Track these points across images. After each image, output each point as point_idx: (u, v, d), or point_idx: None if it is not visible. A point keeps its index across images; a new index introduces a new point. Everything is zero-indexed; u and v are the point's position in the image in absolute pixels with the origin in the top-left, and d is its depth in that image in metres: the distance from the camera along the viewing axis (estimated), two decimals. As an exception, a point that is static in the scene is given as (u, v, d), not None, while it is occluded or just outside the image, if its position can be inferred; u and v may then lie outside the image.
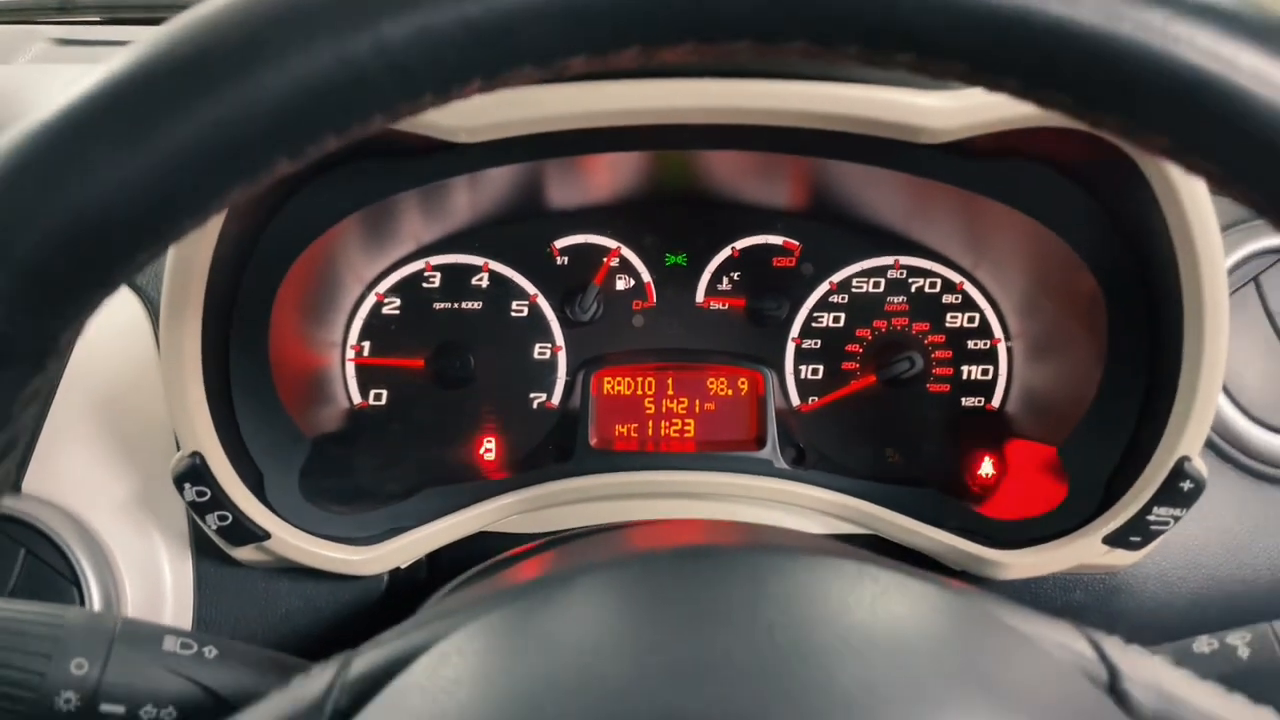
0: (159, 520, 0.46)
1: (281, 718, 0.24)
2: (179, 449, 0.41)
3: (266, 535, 0.42)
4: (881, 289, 0.52)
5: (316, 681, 0.25)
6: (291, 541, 0.43)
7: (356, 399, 0.52)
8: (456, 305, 0.52)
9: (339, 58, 0.18)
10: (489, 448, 0.52)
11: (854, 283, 0.52)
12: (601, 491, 0.50)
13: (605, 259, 0.52)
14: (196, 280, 0.39)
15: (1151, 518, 0.41)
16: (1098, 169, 0.40)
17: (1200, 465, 0.40)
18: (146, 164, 0.19)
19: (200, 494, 0.41)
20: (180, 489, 0.41)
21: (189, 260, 0.40)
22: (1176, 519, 0.41)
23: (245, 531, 0.42)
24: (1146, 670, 0.24)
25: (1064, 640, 0.25)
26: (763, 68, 0.37)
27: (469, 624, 0.24)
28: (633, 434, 0.52)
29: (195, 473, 0.41)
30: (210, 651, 0.34)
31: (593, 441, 0.51)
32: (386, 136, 0.40)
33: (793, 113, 0.38)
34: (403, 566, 0.47)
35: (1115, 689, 0.24)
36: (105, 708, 0.32)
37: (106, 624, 0.34)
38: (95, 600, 0.43)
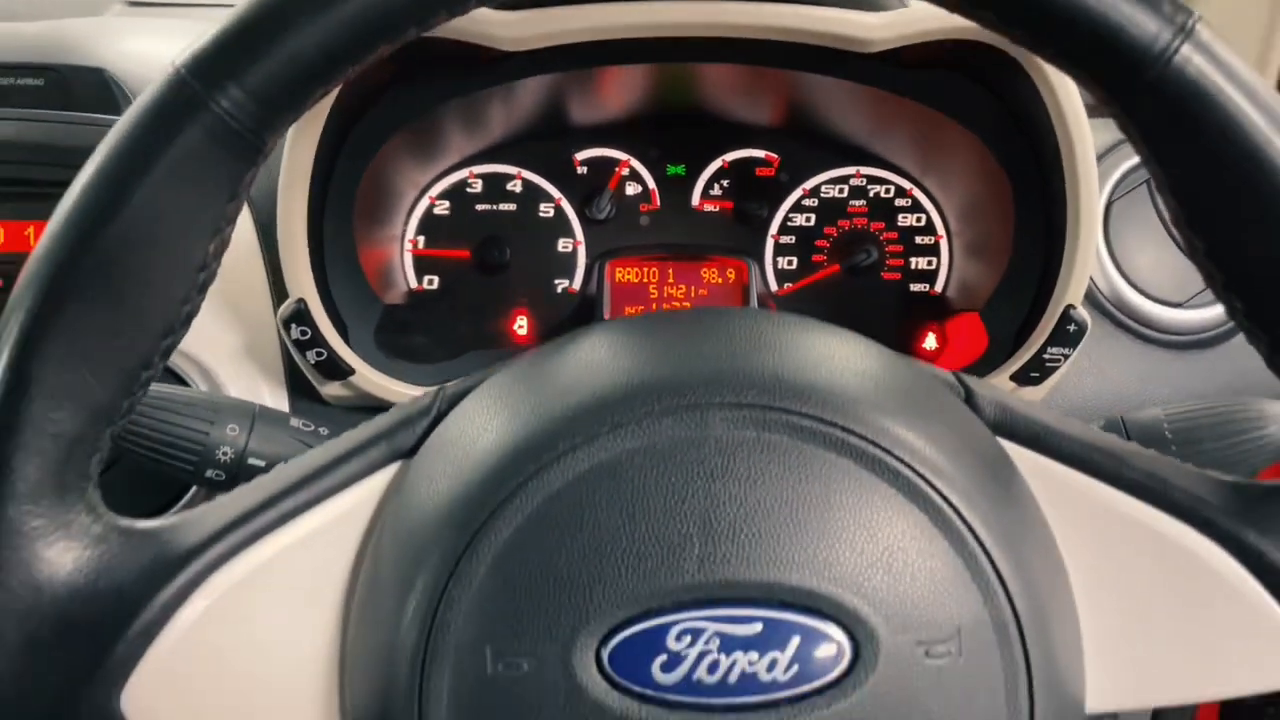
0: (261, 365, 0.57)
1: (395, 420, 0.35)
2: (283, 302, 0.53)
3: (351, 371, 0.54)
4: (845, 194, 0.63)
5: (419, 402, 0.36)
6: (370, 379, 0.55)
7: (414, 283, 0.63)
8: (495, 207, 0.63)
9: None
10: (521, 324, 0.64)
11: (823, 189, 0.63)
12: (614, 358, 0.61)
13: (617, 168, 0.64)
14: (303, 172, 0.51)
15: (1046, 357, 0.52)
16: (999, 73, 0.52)
17: (1084, 313, 0.51)
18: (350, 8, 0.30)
19: (302, 333, 0.52)
20: (287, 329, 0.52)
21: (300, 152, 0.51)
22: (1066, 357, 0.52)
23: (335, 368, 0.54)
24: (992, 390, 0.35)
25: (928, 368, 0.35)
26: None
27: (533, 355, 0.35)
28: (639, 313, 0.64)
29: (300, 315, 0.52)
30: (324, 430, 0.46)
31: (608, 318, 0.62)
32: (432, 50, 0.51)
33: (762, 27, 0.49)
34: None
35: (968, 400, 0.35)
36: (251, 461, 0.44)
37: (249, 405, 0.45)
38: (215, 424, 0.55)
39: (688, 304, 0.63)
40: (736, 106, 0.62)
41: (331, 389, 0.55)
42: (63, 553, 0.30)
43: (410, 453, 0.34)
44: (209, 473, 0.44)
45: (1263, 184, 0.28)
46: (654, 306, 0.64)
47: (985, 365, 0.55)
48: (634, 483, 0.29)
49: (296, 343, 0.53)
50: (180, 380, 0.55)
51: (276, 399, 0.57)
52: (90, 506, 0.31)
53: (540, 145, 0.63)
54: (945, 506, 0.29)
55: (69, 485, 0.31)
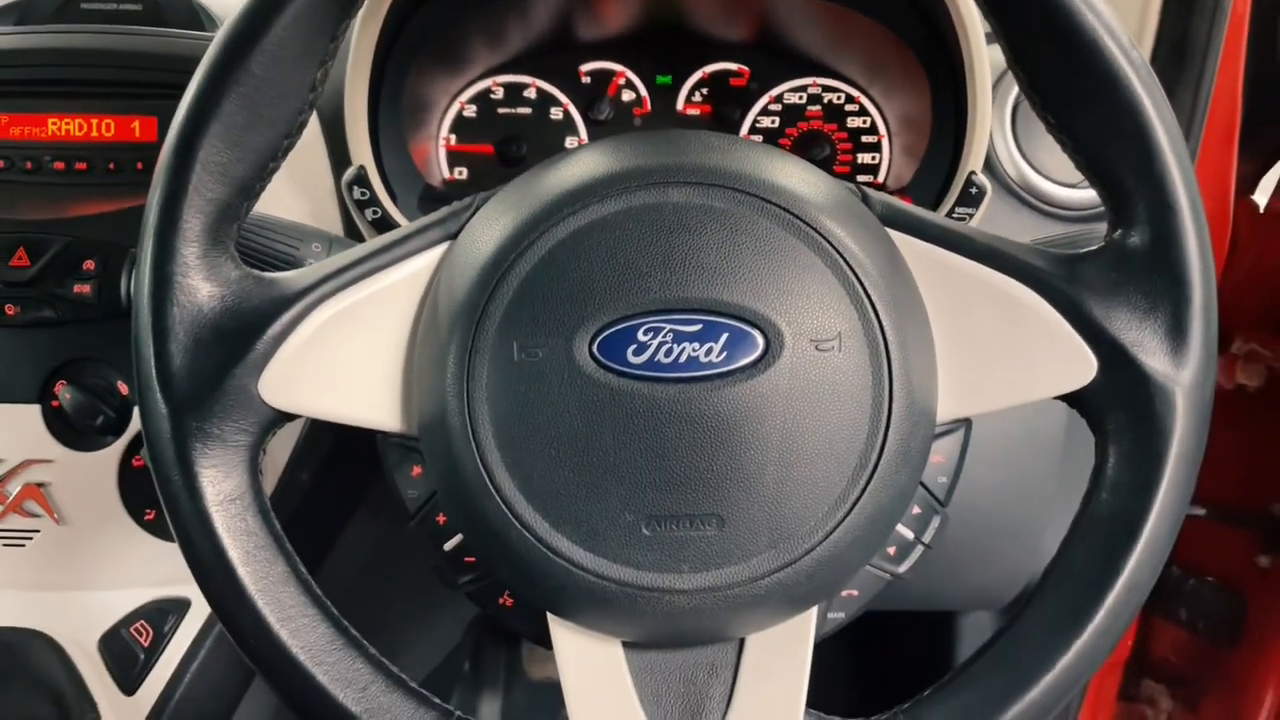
0: (323, 227, 0.70)
1: (446, 213, 0.48)
2: (345, 171, 0.66)
3: (399, 226, 0.67)
4: (804, 101, 0.76)
5: (461, 202, 0.49)
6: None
7: (446, 174, 0.76)
8: (513, 110, 0.76)
9: None
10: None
11: (785, 97, 0.76)
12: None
13: (615, 78, 0.77)
14: (363, 69, 0.64)
15: (955, 215, 0.65)
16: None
17: (984, 179, 0.64)
18: None
19: (362, 194, 0.66)
20: (349, 190, 0.66)
21: (360, 54, 0.64)
22: (970, 215, 0.65)
23: (386, 225, 0.67)
24: (880, 194, 0.48)
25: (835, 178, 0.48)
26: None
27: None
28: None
29: (361, 179, 0.65)
30: None
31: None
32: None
33: None
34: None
35: (864, 200, 0.47)
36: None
37: (327, 232, 0.59)
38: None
39: (673, 191, 0.76)
40: (716, 25, 0.75)
41: (382, 244, 0.69)
42: (217, 284, 0.43)
43: (456, 234, 0.47)
44: (298, 280, 0.57)
45: (1092, 68, 0.41)
46: (645, 193, 0.76)
47: (910, 230, 0.68)
48: (616, 233, 0.42)
49: (356, 202, 0.66)
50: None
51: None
52: (232, 256, 0.45)
53: (551, 59, 0.76)
54: (834, 252, 0.42)
55: (219, 239, 0.44)
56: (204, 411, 0.43)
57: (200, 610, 0.68)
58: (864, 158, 0.76)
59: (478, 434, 0.42)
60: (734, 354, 0.41)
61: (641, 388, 0.41)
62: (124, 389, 0.67)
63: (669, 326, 0.41)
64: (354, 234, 0.70)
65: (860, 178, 0.76)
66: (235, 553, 0.43)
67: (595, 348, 0.41)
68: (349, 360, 0.45)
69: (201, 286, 0.43)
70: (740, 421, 0.41)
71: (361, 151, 0.66)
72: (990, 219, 0.68)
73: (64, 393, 0.66)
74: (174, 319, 0.43)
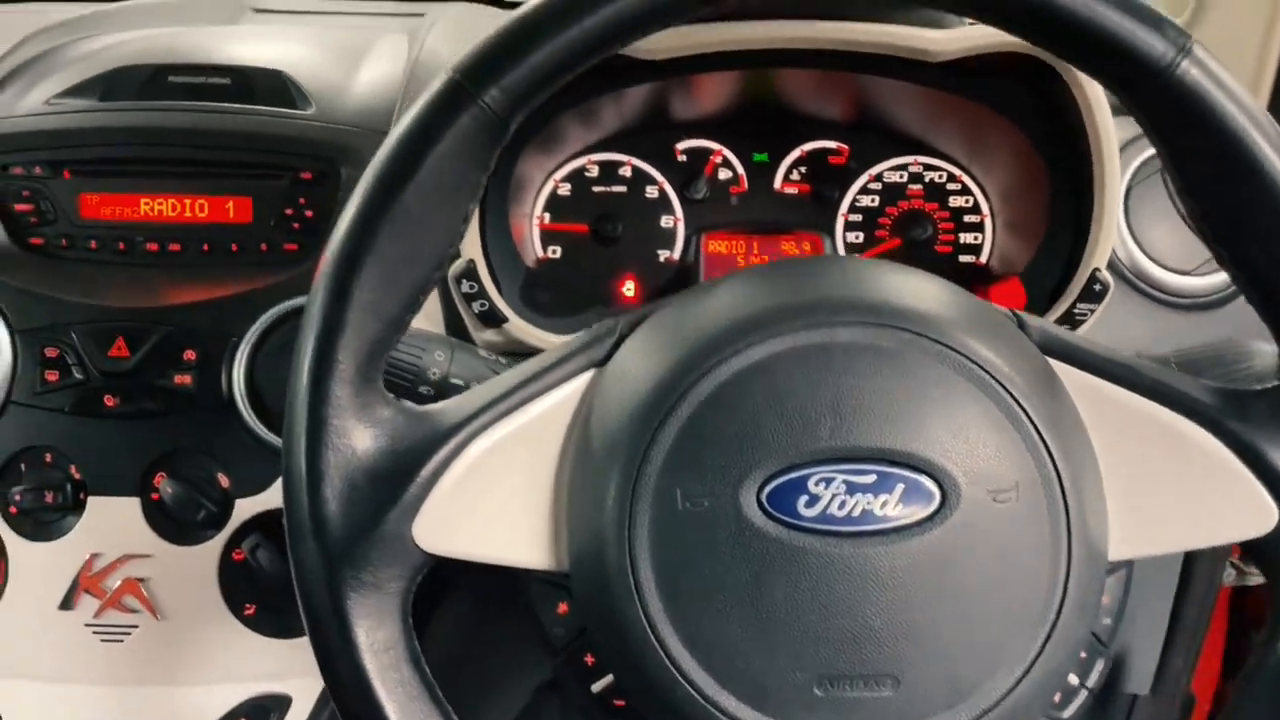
0: (423, 314, 0.69)
1: (589, 338, 0.47)
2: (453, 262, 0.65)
3: (506, 320, 0.66)
4: (905, 179, 0.75)
5: (603, 326, 0.47)
6: (520, 327, 0.67)
7: (540, 252, 0.75)
8: (608, 189, 0.75)
9: None
10: (629, 287, 0.76)
11: (885, 175, 0.75)
12: (709, 315, 0.73)
13: (712, 157, 0.75)
14: None
15: (1076, 311, 0.63)
16: (1040, 77, 0.63)
17: (1107, 276, 0.63)
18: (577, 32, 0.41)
19: (470, 288, 0.65)
20: (457, 284, 0.65)
21: None
22: (1093, 312, 0.63)
23: (493, 317, 0.66)
24: (1036, 319, 0.46)
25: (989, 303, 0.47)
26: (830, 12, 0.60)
27: (691, 291, 0.47)
28: (733, 277, 0.75)
29: (470, 272, 0.64)
30: (504, 360, 0.58)
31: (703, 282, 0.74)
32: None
33: (850, 40, 0.61)
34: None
35: (1020, 326, 0.46)
36: (454, 381, 0.56)
37: (448, 338, 0.58)
38: (391, 362, 0.67)
39: (770, 271, 0.75)
40: (813, 104, 0.74)
41: (486, 335, 0.68)
42: (370, 424, 0.42)
43: (603, 362, 0.45)
44: (421, 389, 0.56)
45: (1240, 158, 0.40)
46: (741, 273, 0.75)
47: (1024, 320, 0.67)
48: (782, 375, 0.41)
49: (465, 295, 0.65)
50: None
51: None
52: (382, 392, 0.43)
53: (646, 137, 0.75)
54: (1007, 395, 0.41)
55: (371, 375, 0.43)
56: (359, 560, 0.41)
57: (302, 707, 0.67)
58: (966, 237, 0.75)
59: (639, 583, 0.40)
60: (910, 506, 0.40)
61: (814, 542, 0.40)
62: (224, 481, 0.66)
63: (841, 477, 0.40)
64: (455, 322, 0.69)
65: (962, 257, 0.75)
66: (391, 705, 0.41)
67: (764, 498, 0.40)
68: (499, 499, 0.44)
69: (355, 428, 0.42)
70: (917, 577, 0.39)
71: (470, 245, 0.65)
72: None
73: (164, 486, 0.65)
74: (329, 463, 0.41)
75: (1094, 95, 0.61)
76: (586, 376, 0.45)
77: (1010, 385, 0.41)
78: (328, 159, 0.71)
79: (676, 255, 0.76)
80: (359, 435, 0.42)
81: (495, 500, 0.44)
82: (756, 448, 0.40)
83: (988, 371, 0.41)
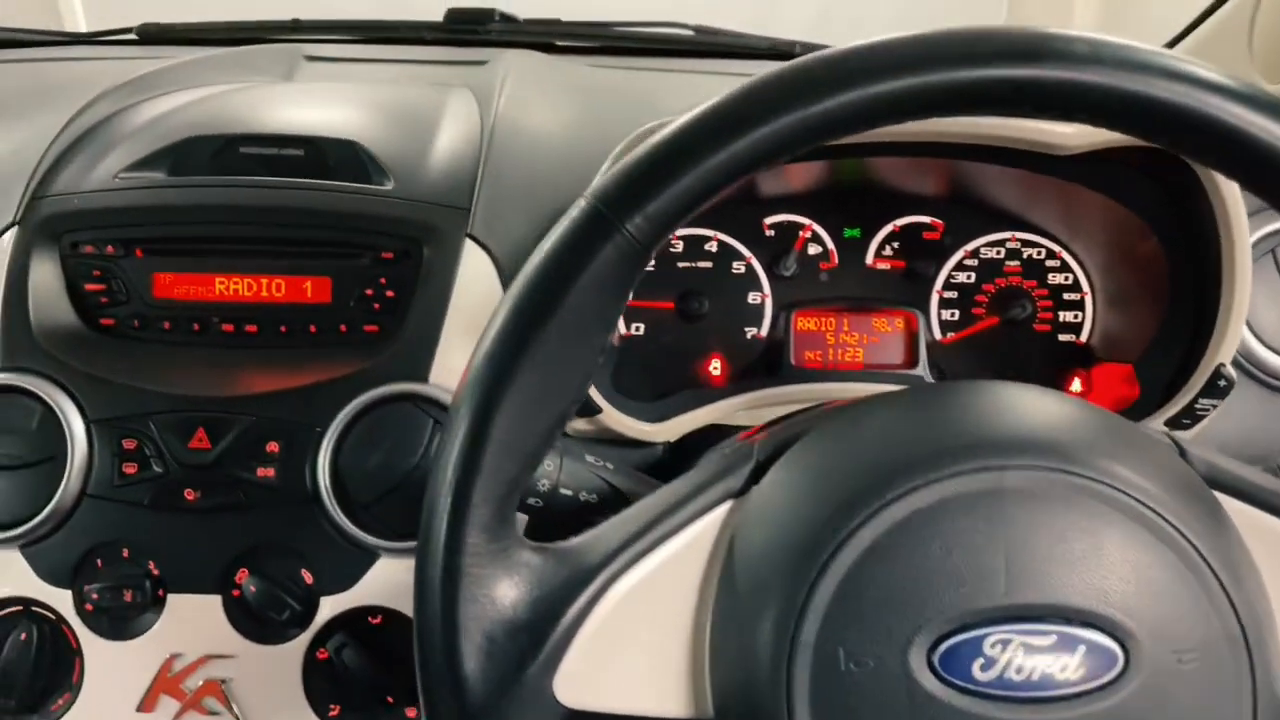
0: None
1: (722, 467, 0.45)
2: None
3: (599, 410, 0.64)
4: (1002, 255, 0.72)
5: (737, 452, 0.45)
6: (613, 415, 0.64)
7: (623, 329, 0.73)
8: (694, 264, 0.73)
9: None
10: (715, 365, 0.73)
11: (982, 251, 0.72)
12: (800, 397, 0.71)
13: (801, 232, 0.73)
14: None
15: (1198, 407, 0.61)
16: (1167, 170, 0.60)
17: (1232, 373, 0.60)
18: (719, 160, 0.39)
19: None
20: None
21: None
22: (1214, 407, 0.61)
23: (588, 408, 0.63)
24: (1198, 447, 0.44)
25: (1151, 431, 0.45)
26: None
27: (833, 418, 0.45)
28: (819, 357, 0.73)
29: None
30: (609, 465, 0.56)
31: (793, 362, 0.72)
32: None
33: (980, 135, 0.58)
34: (670, 440, 0.68)
35: (1183, 455, 0.44)
36: (562, 491, 0.54)
37: (557, 444, 0.55)
38: (480, 454, 0.65)
39: (860, 350, 0.73)
40: (906, 181, 0.71)
41: (576, 424, 0.65)
42: (508, 571, 0.40)
43: (740, 493, 0.43)
44: (530, 500, 0.54)
45: None
46: (831, 353, 0.73)
47: (1139, 411, 0.64)
48: (948, 524, 0.38)
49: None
50: (446, 410, 0.65)
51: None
52: (516, 534, 0.41)
53: (734, 211, 0.73)
54: (1189, 547, 0.38)
55: (507, 518, 0.41)
56: (498, 718, 0.39)
57: (390, 813, 0.65)
58: (1066, 316, 0.72)
59: None
60: (1092, 670, 0.37)
61: (992, 708, 0.37)
62: (309, 578, 0.64)
63: (1019, 639, 0.38)
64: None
65: (1061, 336, 0.73)
66: None
67: (936, 660, 0.38)
68: (640, 645, 0.41)
69: (493, 577, 0.40)
70: (1100, 745, 0.37)
71: None
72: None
73: (247, 583, 0.63)
74: (467, 616, 0.39)
75: (1229, 194, 0.58)
76: (724, 508, 0.43)
77: (1189, 531, 0.38)
78: (410, 238, 0.69)
79: (764, 332, 0.73)
80: (497, 584, 0.40)
81: (635, 647, 0.41)
82: (926, 605, 0.38)
83: (1163, 516, 0.38)
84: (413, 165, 0.73)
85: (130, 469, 0.64)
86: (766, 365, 0.73)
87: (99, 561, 0.64)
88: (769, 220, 0.73)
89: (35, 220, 0.69)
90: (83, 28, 3.28)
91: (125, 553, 0.64)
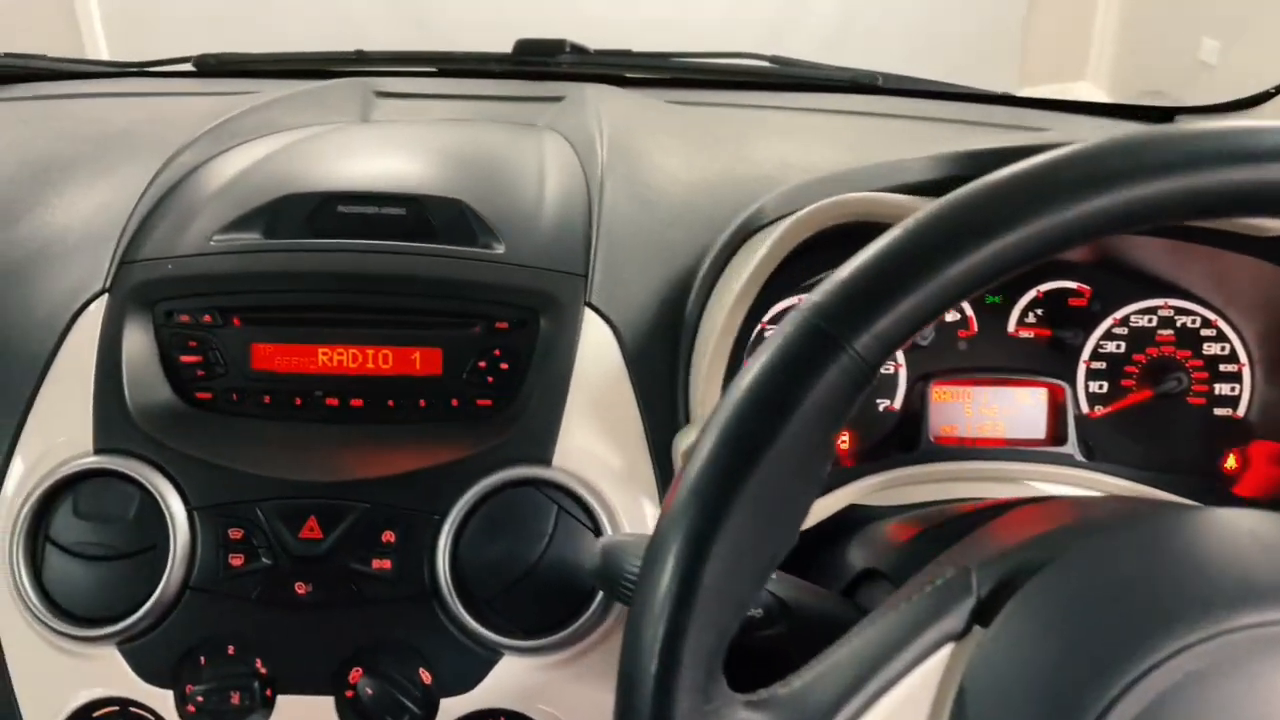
0: (639, 486, 0.62)
1: (935, 602, 0.40)
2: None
3: None
4: (1154, 323, 0.68)
5: (952, 584, 0.41)
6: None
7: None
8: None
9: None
10: (844, 440, 0.69)
11: (1132, 318, 0.68)
12: (940, 475, 0.67)
13: (939, 297, 0.69)
14: (730, 334, 0.57)
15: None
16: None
17: None
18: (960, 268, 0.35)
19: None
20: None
21: (733, 318, 0.57)
22: None
23: (728, 497, 0.59)
24: None
25: None
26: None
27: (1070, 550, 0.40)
28: (958, 432, 0.69)
29: (707, 453, 0.58)
30: (774, 574, 0.51)
31: (930, 437, 0.68)
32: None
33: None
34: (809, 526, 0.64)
35: None
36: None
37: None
38: (610, 544, 0.60)
39: (1002, 423, 0.68)
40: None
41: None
42: None
43: (962, 634, 0.39)
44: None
45: None
46: (970, 425, 0.68)
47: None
48: (1230, 690, 0.34)
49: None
50: (579, 505, 0.61)
51: (654, 517, 0.62)
52: (726, 690, 0.37)
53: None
54: None
55: (717, 674, 0.36)
56: None
57: None
58: (1222, 388, 0.68)
59: None
60: None
61: None
62: (427, 678, 0.59)
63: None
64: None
65: (1217, 410, 0.68)
66: None
67: None
68: None
69: None
70: None
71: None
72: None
73: (361, 684, 0.59)
74: None
75: None
76: (944, 653, 0.39)
77: None
78: (526, 307, 0.65)
79: (898, 404, 0.69)
80: None
81: None
82: None
83: None
84: (522, 225, 0.69)
85: (237, 560, 0.60)
86: (900, 440, 0.68)
87: (202, 660, 0.60)
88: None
89: (127, 287, 0.65)
90: (104, 53, 3.27)
91: (231, 650, 0.60)
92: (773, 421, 0.36)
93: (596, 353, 0.64)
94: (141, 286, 0.65)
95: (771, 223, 0.64)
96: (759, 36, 3.59)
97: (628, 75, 1.13)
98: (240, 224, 0.68)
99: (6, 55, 1.14)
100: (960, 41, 3.71)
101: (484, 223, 0.68)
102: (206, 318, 0.65)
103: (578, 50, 1.15)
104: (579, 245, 0.68)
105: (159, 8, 3.28)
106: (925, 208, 0.37)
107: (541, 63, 1.13)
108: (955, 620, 0.39)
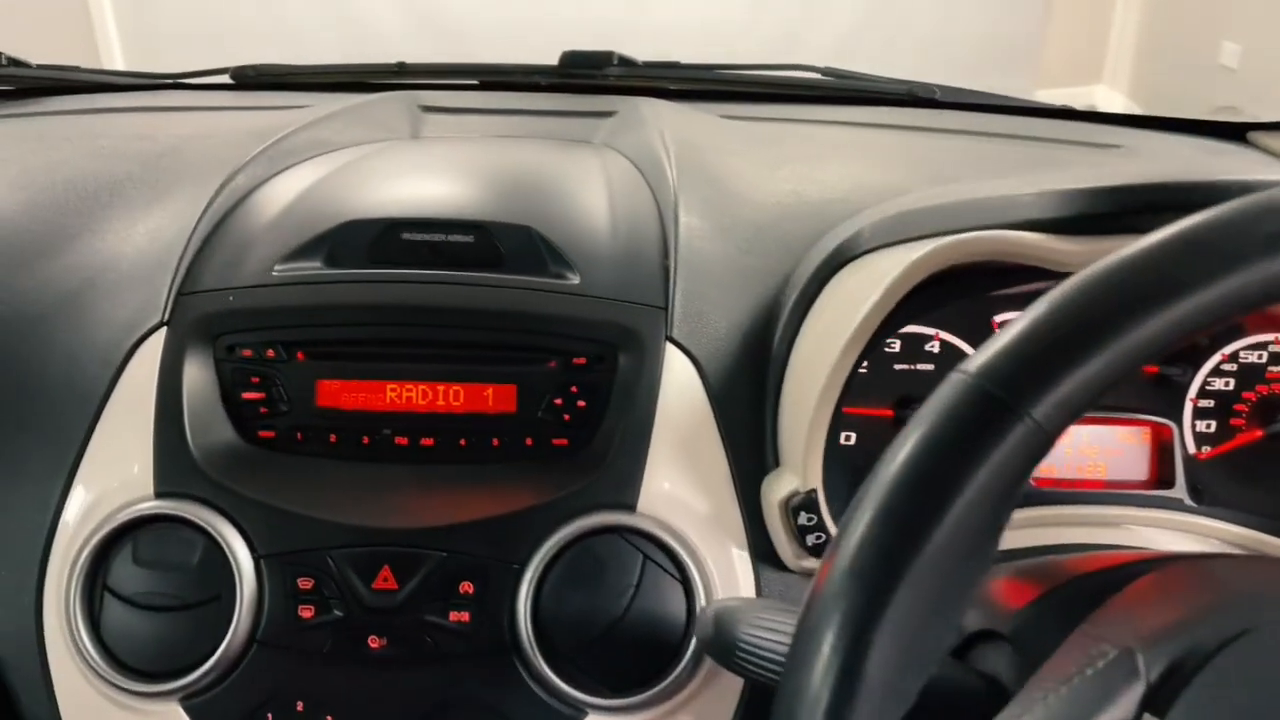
0: (727, 532, 0.59)
1: (1095, 693, 0.37)
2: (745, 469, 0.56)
3: None
4: (1264, 359, 0.64)
5: (1115, 666, 0.37)
6: (854, 556, 0.57)
7: (839, 439, 0.65)
8: (913, 366, 0.65)
9: None
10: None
11: (1241, 354, 0.64)
12: (1039, 520, 0.63)
13: (1037, 332, 0.65)
14: (836, 388, 0.54)
15: None
16: None
17: None
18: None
19: (809, 519, 0.55)
20: (795, 514, 0.55)
21: (838, 374, 0.54)
22: None
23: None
24: None
25: None
26: None
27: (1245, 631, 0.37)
28: (1056, 473, 0.65)
29: (811, 503, 0.55)
30: None
31: (1032, 481, 0.64)
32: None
33: None
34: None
35: None
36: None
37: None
38: (700, 595, 0.57)
39: (1104, 464, 0.65)
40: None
41: (807, 563, 0.58)
42: None
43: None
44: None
45: None
46: (1070, 466, 0.65)
47: None
48: None
49: (801, 528, 0.55)
50: (666, 553, 0.57)
51: (744, 569, 0.59)
52: None
53: (959, 307, 0.65)
54: None
55: None
56: None
57: None
58: (1337, 428, 0.64)
59: None
60: None
61: None
62: (508, 739, 0.56)
63: None
64: (760, 542, 0.59)
65: (1331, 452, 0.65)
66: None
67: None
68: None
69: None
70: None
71: (814, 472, 0.55)
72: None
73: (439, 744, 0.56)
74: None
75: None
76: None
77: None
78: (605, 342, 0.62)
79: (993, 444, 0.65)
80: None
81: None
82: None
83: None
84: (594, 253, 0.66)
85: (307, 612, 0.57)
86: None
87: (270, 717, 0.57)
88: (999, 318, 0.65)
89: (187, 320, 0.62)
90: (119, 64, 3.26)
91: (300, 707, 0.57)
92: (940, 498, 0.32)
93: (680, 390, 0.61)
94: (203, 319, 0.62)
95: (866, 252, 0.61)
96: (772, 41, 3.56)
97: (672, 88, 1.10)
98: (302, 252, 0.65)
99: (41, 67, 1.11)
100: (976, 45, 3.69)
101: (555, 250, 0.65)
102: (270, 352, 0.62)
103: (625, 62, 1.11)
104: (657, 275, 0.65)
105: (173, 18, 3.28)
106: (1105, 260, 0.34)
107: (588, 75, 1.10)
108: (1124, 709, 0.36)
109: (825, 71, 1.14)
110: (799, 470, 0.56)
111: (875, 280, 0.55)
